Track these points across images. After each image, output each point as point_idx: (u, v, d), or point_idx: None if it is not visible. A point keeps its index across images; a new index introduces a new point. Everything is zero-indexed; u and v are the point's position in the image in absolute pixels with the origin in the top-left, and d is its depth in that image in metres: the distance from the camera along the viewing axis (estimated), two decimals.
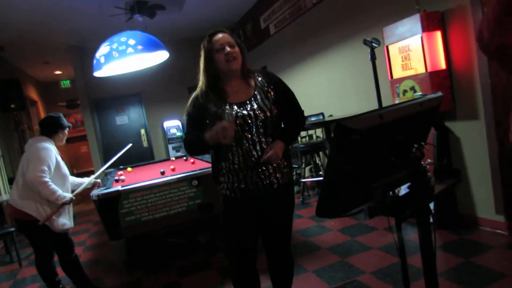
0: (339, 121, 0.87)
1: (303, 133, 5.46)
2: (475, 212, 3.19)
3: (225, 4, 6.54)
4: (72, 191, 3.16)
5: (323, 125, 4.53)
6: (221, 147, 1.85)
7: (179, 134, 8.03)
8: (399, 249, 1.40)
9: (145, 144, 8.25)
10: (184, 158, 5.00)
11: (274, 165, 1.88)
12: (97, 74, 3.94)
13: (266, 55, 6.91)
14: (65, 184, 3.05)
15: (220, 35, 1.89)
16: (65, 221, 3.02)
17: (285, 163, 1.94)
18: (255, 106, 1.85)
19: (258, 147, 1.83)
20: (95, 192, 3.17)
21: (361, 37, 4.13)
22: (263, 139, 1.84)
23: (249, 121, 1.82)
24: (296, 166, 5.32)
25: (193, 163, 4.43)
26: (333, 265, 2.98)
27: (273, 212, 1.97)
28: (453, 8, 3.05)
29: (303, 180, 4.97)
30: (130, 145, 4.01)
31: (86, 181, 3.35)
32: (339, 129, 0.88)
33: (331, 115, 4.97)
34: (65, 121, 3.19)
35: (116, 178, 3.97)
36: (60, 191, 2.89)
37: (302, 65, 5.67)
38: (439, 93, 1.18)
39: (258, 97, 1.89)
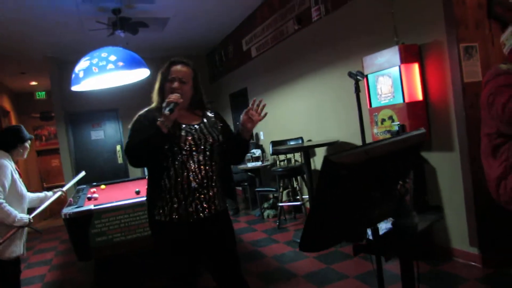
0: (327, 156, 0.86)
1: (281, 157, 5.47)
2: (450, 244, 3.23)
3: (208, 26, 6.61)
4: (31, 210, 2.91)
5: (301, 149, 4.55)
6: (163, 163, 1.84)
7: None
8: (377, 283, 1.38)
9: (120, 160, 8.06)
10: None
11: (213, 192, 1.91)
12: (75, 88, 3.85)
13: (247, 77, 6.96)
14: (21, 204, 2.74)
15: (177, 68, 1.95)
16: (15, 248, 2.65)
17: (223, 193, 2.00)
18: (205, 130, 1.93)
19: (203, 170, 1.86)
20: (66, 211, 3.04)
21: (341, 65, 4.24)
22: (208, 163, 1.89)
23: (197, 142, 1.87)
24: (273, 189, 5.30)
25: None
26: None
27: (215, 237, 1.95)
28: (430, 42, 3.16)
29: (281, 204, 4.94)
30: (83, 173, 3.78)
31: (49, 195, 3.10)
32: (327, 164, 0.87)
33: (309, 140, 5.01)
34: (26, 133, 2.86)
35: (89, 195, 3.83)
36: (16, 213, 2.58)
37: (282, 89, 5.73)
38: (422, 129, 1.19)
39: (207, 123, 1.98)
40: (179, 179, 1.83)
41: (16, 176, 2.74)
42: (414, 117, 3.20)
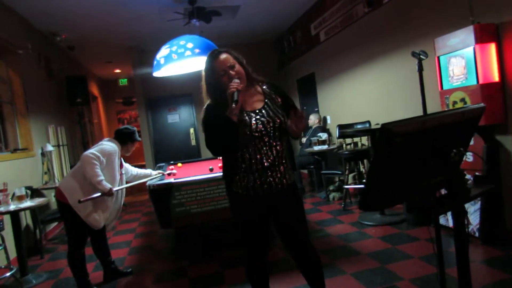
0: (384, 124, 0.99)
1: (348, 140, 5.50)
2: None
3: (276, 12, 6.75)
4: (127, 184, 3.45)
5: (369, 132, 4.56)
6: (240, 145, 2.01)
7: None
8: (437, 256, 1.48)
9: (193, 142, 8.62)
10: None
11: (283, 168, 2.07)
12: (156, 74, 4.25)
13: (314, 62, 7.01)
14: (110, 184, 3.14)
15: (221, 57, 2.05)
16: (97, 217, 3.09)
17: (290, 166, 2.14)
18: (270, 113, 2.05)
19: (274, 150, 2.03)
20: (151, 183, 3.45)
21: (411, 48, 4.14)
22: (277, 143, 2.05)
23: (267, 126, 2.01)
24: (339, 172, 5.38)
25: None
26: (372, 270, 3.03)
27: (285, 209, 2.12)
28: (508, 21, 3.02)
29: (346, 186, 5.01)
30: (161, 174, 4.05)
31: (153, 173, 3.74)
32: (383, 132, 1.00)
33: (377, 124, 4.99)
34: (137, 136, 3.46)
35: (168, 171, 4.25)
36: (103, 178, 3.00)
37: (350, 72, 5.72)
38: (482, 104, 1.25)
39: (269, 103, 2.09)
40: (253, 161, 2.02)
41: (117, 162, 3.25)
42: (489, 99, 3.09)
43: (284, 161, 2.09)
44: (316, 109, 7.14)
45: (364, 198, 1.11)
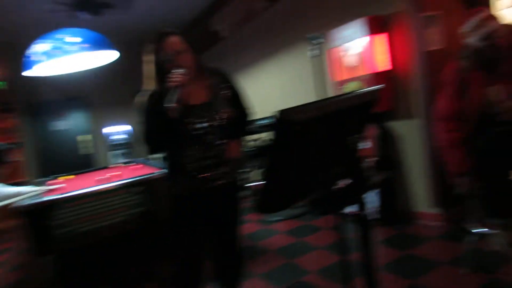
0: (281, 111, 0.84)
1: (254, 136, 5.43)
2: (414, 207, 3.36)
3: (177, 6, 6.40)
4: None
5: (271, 127, 4.53)
6: (180, 143, 1.81)
7: (126, 139, 7.70)
8: (339, 246, 1.41)
9: (85, 151, 7.82)
10: (130, 164, 4.75)
11: (228, 166, 1.90)
12: (29, 73, 3.62)
13: (218, 57, 6.85)
14: None
15: (170, 40, 1.82)
16: None
17: (237, 164, 1.98)
18: (216, 108, 1.86)
19: (218, 148, 1.85)
20: (23, 203, 2.90)
21: (307, 40, 4.22)
22: (221, 141, 1.87)
23: (210, 123, 1.83)
24: (247, 169, 5.28)
25: (136, 168, 4.23)
26: (281, 267, 2.97)
27: (223, 210, 1.98)
28: (394, 13, 3.20)
29: (250, 184, 4.93)
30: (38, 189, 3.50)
31: (26, 191, 3.07)
32: (279, 120, 0.85)
33: None
34: (5, 157, 2.88)
35: (48, 187, 3.67)
36: None
37: (253, 69, 5.70)
38: (377, 86, 1.20)
39: (216, 98, 1.89)
40: (195, 158, 1.82)
41: None
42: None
43: (229, 160, 1.90)
44: None
45: (262, 200, 0.95)
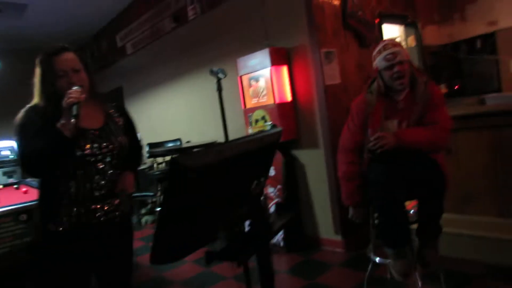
0: (174, 158, 0.78)
1: (159, 159, 5.24)
2: (318, 234, 3.48)
3: (75, 17, 5.96)
4: None
5: (179, 151, 4.41)
6: (66, 169, 1.60)
7: (11, 156, 6.84)
8: (245, 283, 1.38)
9: None
10: (15, 186, 4.22)
11: (119, 199, 1.73)
12: None
13: (122, 75, 6.52)
14: None
15: (63, 57, 1.65)
16: None
17: (127, 197, 1.82)
18: (109, 135, 1.71)
19: (107, 179, 1.68)
20: None
21: (217, 65, 4.22)
22: (112, 170, 1.71)
23: (103, 149, 1.66)
24: (151, 194, 5.05)
25: (25, 192, 3.76)
26: None
27: (115, 247, 1.78)
28: (296, 46, 3.36)
29: (159, 209, 4.72)
30: None
31: None
32: (174, 167, 0.79)
33: (188, 141, 4.91)
34: None
35: None
36: None
37: (159, 89, 5.51)
38: (279, 128, 1.21)
39: (110, 124, 1.75)
40: (80, 190, 1.62)
41: None
42: (284, 117, 3.36)
43: (121, 192, 1.73)
44: None
45: (157, 250, 0.87)
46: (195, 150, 0.85)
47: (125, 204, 1.78)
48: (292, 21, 3.34)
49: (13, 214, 2.70)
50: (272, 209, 3.39)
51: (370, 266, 2.33)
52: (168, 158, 5.17)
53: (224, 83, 3.36)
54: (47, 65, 1.64)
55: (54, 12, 5.57)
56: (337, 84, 3.30)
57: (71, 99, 1.51)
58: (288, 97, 3.42)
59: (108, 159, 1.68)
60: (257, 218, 1.01)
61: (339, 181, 2.31)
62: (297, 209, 3.51)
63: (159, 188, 4.73)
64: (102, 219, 1.67)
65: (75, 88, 1.57)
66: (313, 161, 3.43)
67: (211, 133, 4.58)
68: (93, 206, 1.65)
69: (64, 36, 6.85)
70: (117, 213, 1.73)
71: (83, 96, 1.57)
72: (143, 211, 5.31)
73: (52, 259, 1.67)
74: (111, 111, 1.82)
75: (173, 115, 5.30)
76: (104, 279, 1.83)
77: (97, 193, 1.65)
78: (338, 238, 3.31)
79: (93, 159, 1.64)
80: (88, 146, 1.62)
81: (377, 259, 2.24)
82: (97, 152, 1.65)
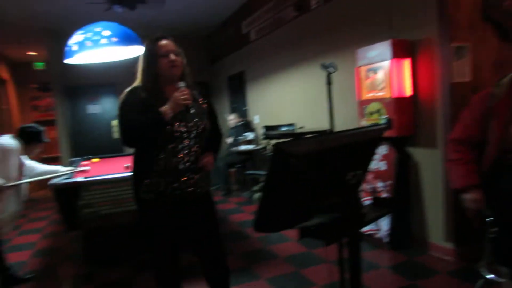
0: (277, 144, 0.92)
1: (274, 142, 5.51)
2: (427, 237, 3.31)
3: (208, 6, 6.56)
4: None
5: (292, 136, 4.59)
6: (157, 144, 1.87)
7: None
8: (339, 267, 1.47)
9: (114, 135, 8.12)
10: None
11: (199, 175, 1.96)
12: (68, 61, 3.87)
13: (245, 60, 6.96)
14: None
15: (165, 42, 1.94)
16: None
17: (208, 174, 2.06)
18: (195, 116, 1.95)
19: (192, 155, 1.92)
20: (55, 181, 3.11)
21: (336, 55, 4.25)
22: (196, 148, 1.94)
23: (191, 128, 1.92)
24: (264, 173, 5.37)
25: None
26: (287, 275, 3.03)
27: (197, 221, 2.03)
28: (422, 39, 3.18)
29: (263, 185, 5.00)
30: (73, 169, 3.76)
31: (62, 170, 3.39)
32: (277, 152, 0.93)
33: (302, 127, 5.06)
34: (44, 137, 3.23)
35: (80, 168, 3.91)
36: None
37: (279, 74, 5.75)
38: (384, 124, 1.25)
39: (196, 107, 1.99)
40: (168, 162, 1.88)
41: (14, 161, 2.94)
42: (401, 112, 3.24)
43: (200, 168, 1.98)
44: (244, 108, 7.11)
45: (258, 220, 1.04)
46: (301, 137, 0.97)
47: (204, 179, 2.01)
48: (420, 12, 3.17)
49: None
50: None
51: (480, 283, 2.15)
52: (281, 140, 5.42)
53: (339, 74, 3.40)
54: (152, 48, 1.93)
55: (189, 2, 6.19)
56: (466, 82, 3.05)
57: (187, 101, 1.83)
58: (408, 92, 3.28)
59: (193, 136, 1.91)
60: (349, 206, 1.09)
61: (448, 171, 2.06)
62: (405, 208, 3.39)
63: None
64: (185, 190, 1.91)
65: (182, 85, 1.86)
66: (428, 161, 3.25)
67: (324, 121, 4.65)
68: (178, 178, 1.89)
69: (197, 24, 7.60)
70: (198, 187, 1.96)
71: (190, 102, 1.86)
72: (255, 188, 5.69)
73: (145, 223, 1.99)
74: (198, 95, 2.05)
75: (289, 101, 5.50)
76: (196, 249, 2.08)
77: (181, 166, 1.89)
78: (448, 245, 3.11)
79: (182, 135, 1.89)
80: (177, 123, 1.87)
81: (490, 276, 2.03)
82: (184, 130, 1.89)
